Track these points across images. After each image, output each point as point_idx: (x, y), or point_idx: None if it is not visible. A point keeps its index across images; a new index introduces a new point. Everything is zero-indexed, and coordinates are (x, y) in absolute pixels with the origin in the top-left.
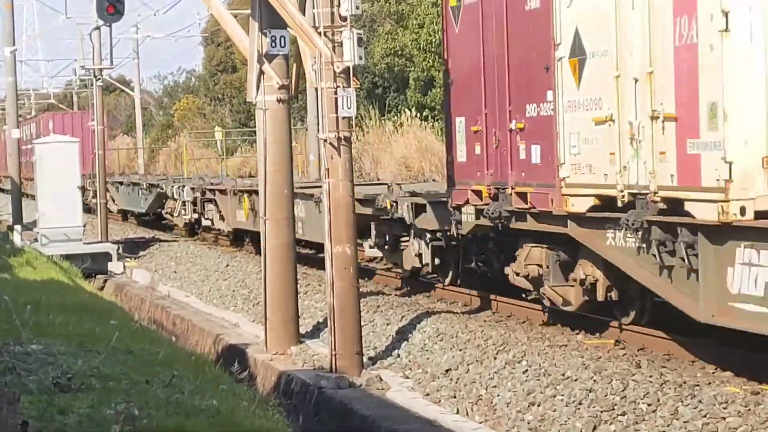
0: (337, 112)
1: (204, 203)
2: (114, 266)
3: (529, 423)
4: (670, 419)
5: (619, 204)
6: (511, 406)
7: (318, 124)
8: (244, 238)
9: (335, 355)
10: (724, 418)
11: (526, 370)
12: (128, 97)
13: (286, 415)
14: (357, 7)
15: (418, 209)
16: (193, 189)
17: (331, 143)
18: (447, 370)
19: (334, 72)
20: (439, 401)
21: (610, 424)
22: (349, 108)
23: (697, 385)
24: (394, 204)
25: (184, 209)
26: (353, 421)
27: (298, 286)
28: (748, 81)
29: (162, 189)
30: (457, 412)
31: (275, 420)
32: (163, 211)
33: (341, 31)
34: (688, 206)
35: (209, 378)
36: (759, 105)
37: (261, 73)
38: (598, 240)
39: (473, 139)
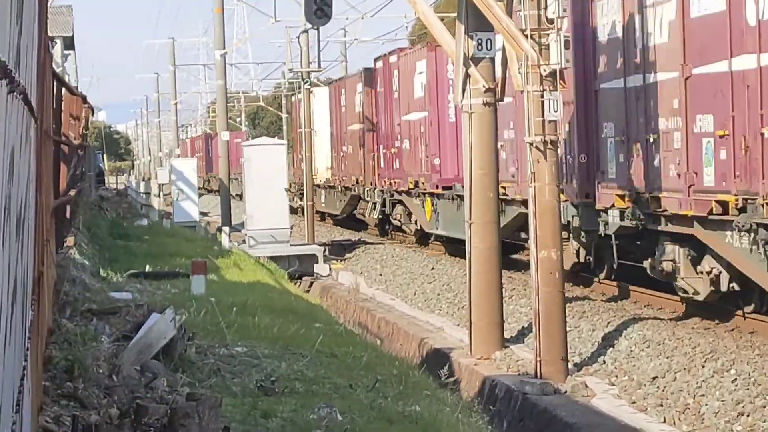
0: (543, 116)
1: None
2: (320, 268)
3: None
4: None
5: None
6: (719, 415)
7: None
8: None
9: (540, 360)
10: None
11: (735, 380)
12: None
13: (489, 421)
14: (564, 10)
15: None
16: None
17: (537, 147)
18: (653, 378)
19: (541, 75)
20: (646, 409)
21: None
22: (555, 111)
23: None
24: None
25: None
26: (558, 428)
27: (503, 290)
28: None
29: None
30: (664, 421)
31: (478, 426)
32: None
33: (548, 34)
34: None
35: (413, 383)
36: None
37: (467, 75)
38: None
39: None
